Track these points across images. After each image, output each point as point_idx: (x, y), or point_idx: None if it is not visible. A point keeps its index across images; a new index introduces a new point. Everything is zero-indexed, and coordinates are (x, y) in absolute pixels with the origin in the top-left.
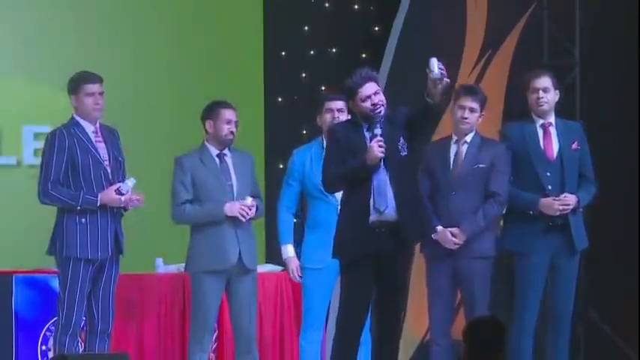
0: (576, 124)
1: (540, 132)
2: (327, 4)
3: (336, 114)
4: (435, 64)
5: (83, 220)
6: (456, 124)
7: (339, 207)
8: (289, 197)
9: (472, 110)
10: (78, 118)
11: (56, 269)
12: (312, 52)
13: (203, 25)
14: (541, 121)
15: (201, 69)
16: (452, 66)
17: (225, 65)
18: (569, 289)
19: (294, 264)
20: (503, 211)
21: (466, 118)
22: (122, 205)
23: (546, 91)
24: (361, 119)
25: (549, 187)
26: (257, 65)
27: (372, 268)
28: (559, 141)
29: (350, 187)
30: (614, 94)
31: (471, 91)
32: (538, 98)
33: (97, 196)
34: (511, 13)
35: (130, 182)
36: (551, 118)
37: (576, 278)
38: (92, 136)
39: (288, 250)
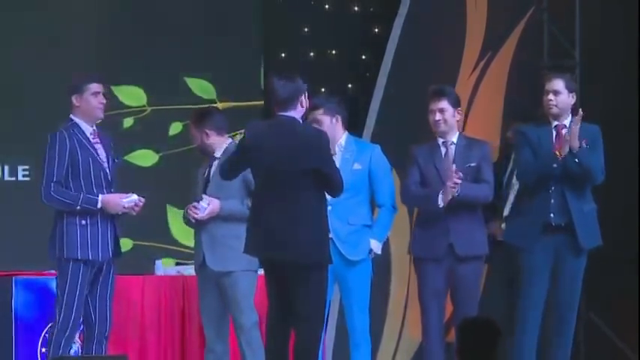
0: (594, 127)
1: (553, 133)
2: (327, 6)
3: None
4: None
5: (84, 221)
6: (433, 128)
7: (328, 207)
8: None
9: (442, 111)
10: (76, 120)
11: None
12: (312, 54)
13: (203, 25)
14: (555, 123)
15: (201, 69)
16: (452, 67)
17: (225, 66)
18: (572, 290)
19: None
20: (491, 199)
21: (438, 120)
22: (120, 213)
23: (557, 94)
24: None
25: (552, 188)
26: (257, 66)
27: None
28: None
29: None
30: (614, 94)
31: (436, 92)
32: (548, 100)
33: (97, 197)
34: (511, 14)
35: (135, 197)
36: (566, 120)
37: (581, 278)
38: (91, 137)
39: None
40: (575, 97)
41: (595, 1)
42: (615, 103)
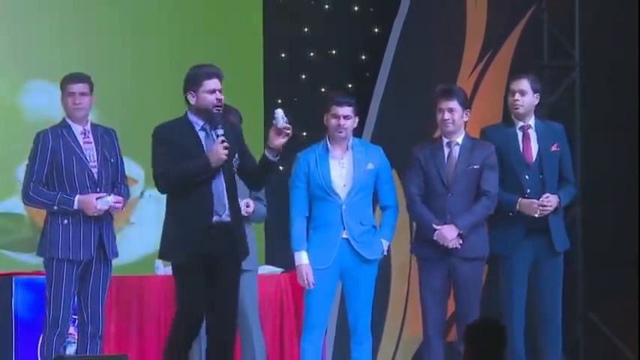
0: (558, 125)
1: (520, 135)
2: (326, 6)
3: (342, 120)
4: (280, 116)
5: (65, 221)
6: (440, 127)
7: (342, 207)
8: (300, 200)
9: (451, 110)
10: (67, 119)
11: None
12: (311, 54)
13: (203, 25)
14: (520, 124)
15: None
16: (452, 67)
17: (225, 66)
18: (554, 288)
19: (306, 271)
20: (493, 210)
21: (447, 119)
22: (96, 214)
23: (523, 94)
24: (200, 115)
25: (528, 191)
26: (257, 67)
27: (203, 270)
28: (538, 143)
29: (186, 189)
30: (614, 94)
31: (447, 92)
32: (514, 100)
33: (74, 197)
34: (511, 14)
35: (110, 199)
36: (530, 121)
37: (561, 278)
38: (80, 137)
39: (302, 257)
40: (539, 97)
41: (595, 1)
42: (615, 103)
